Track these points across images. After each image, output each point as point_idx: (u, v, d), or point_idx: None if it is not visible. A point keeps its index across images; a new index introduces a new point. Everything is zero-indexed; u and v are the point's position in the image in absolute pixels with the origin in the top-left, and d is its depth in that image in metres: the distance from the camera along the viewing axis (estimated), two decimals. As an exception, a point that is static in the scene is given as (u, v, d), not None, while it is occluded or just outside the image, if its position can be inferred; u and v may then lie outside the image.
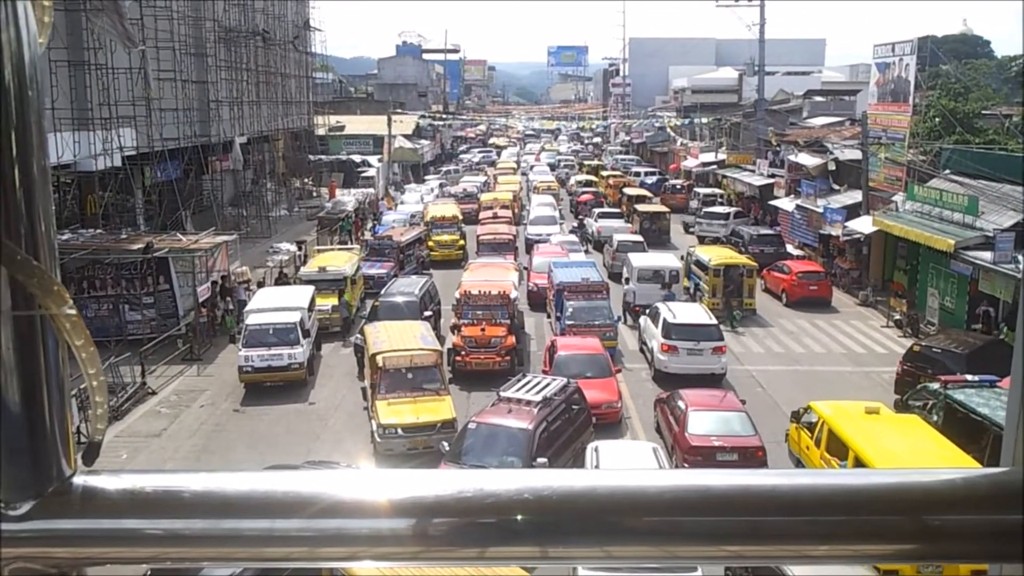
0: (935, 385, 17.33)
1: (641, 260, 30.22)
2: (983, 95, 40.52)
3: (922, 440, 15.07)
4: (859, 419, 15.91)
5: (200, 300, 25.74)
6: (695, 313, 23.99)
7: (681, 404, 17.89)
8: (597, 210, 45.68)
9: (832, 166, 37.15)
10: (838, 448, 15.41)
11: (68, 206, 29.17)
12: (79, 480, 0.96)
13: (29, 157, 0.95)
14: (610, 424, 19.50)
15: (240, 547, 0.96)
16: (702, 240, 40.27)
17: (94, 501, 0.95)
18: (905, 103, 33.96)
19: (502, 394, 17.32)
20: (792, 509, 0.96)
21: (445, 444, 16.51)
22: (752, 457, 16.50)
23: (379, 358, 19.33)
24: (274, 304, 23.69)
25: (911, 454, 14.32)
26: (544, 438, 15.99)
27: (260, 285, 29.18)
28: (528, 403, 16.70)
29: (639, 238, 37.44)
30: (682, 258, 32.38)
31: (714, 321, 23.45)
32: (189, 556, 0.98)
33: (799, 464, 17.38)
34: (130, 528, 0.95)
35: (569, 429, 17.16)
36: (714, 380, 22.02)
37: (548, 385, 17.66)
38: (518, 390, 17.35)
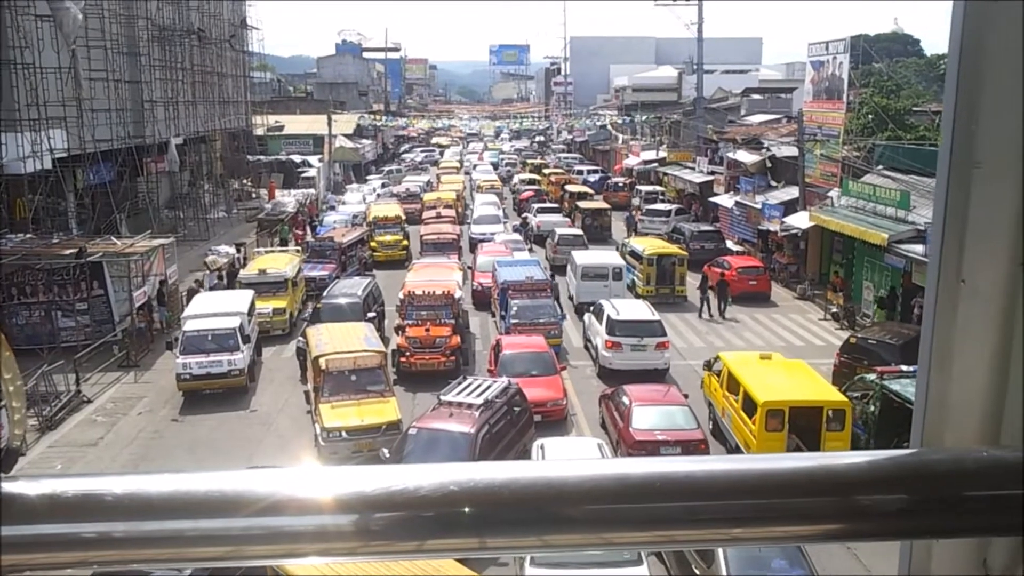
0: (872, 376, 17.72)
1: (585, 258, 30.55)
2: (914, 92, 41.57)
3: (800, 378, 18.04)
4: (753, 363, 18.82)
5: (137, 305, 25.17)
6: (638, 310, 24.28)
7: (625, 399, 18.10)
8: (536, 205, 46.39)
9: (769, 163, 37.81)
10: (735, 386, 17.93)
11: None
12: None
13: None
14: (556, 422, 19.56)
15: (165, 548, 0.95)
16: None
17: (12, 507, 0.92)
18: (839, 100, 34.69)
19: (442, 398, 17.11)
20: (724, 493, 0.99)
21: (385, 451, 16.31)
22: (695, 450, 16.75)
23: (322, 360, 19.09)
24: (212, 309, 23.23)
25: (786, 386, 17.34)
26: (486, 441, 15.85)
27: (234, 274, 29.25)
28: (469, 406, 16.52)
29: (579, 231, 38.42)
30: (617, 249, 33.03)
31: (657, 317, 23.73)
32: (113, 559, 0.96)
33: (710, 406, 19.71)
34: (50, 533, 0.93)
35: (511, 431, 17.06)
36: (658, 375, 22.33)
37: (489, 387, 17.52)
38: (459, 393, 17.15)
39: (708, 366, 20.45)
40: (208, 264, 31.15)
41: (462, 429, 15.83)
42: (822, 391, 17.17)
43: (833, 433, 16.37)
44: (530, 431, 17.81)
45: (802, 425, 16.36)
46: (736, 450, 17.88)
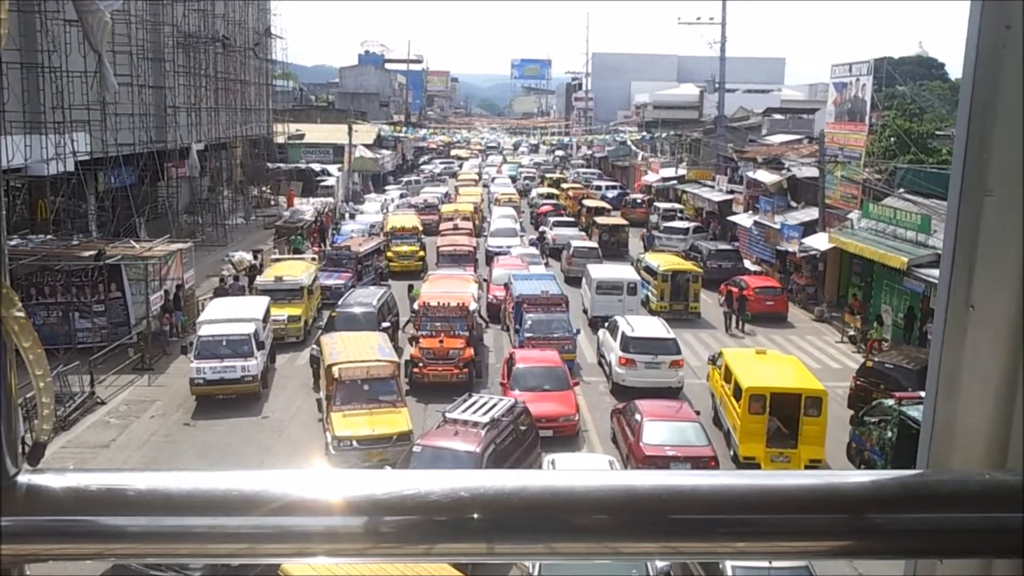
0: (890, 401, 17.53)
1: (601, 272, 30.65)
2: (937, 116, 41.35)
3: (786, 369, 19.92)
4: (747, 358, 20.95)
5: (154, 307, 25.30)
6: (653, 327, 24.22)
7: (637, 414, 18.13)
8: (553, 219, 46.72)
9: (785, 184, 37.67)
10: (729, 376, 19.72)
11: (18, 211, 28.51)
12: (23, 479, 0.97)
13: None
14: (568, 437, 19.44)
15: (183, 544, 0.98)
16: (661, 254, 40.75)
17: (38, 499, 0.96)
18: (861, 123, 34.54)
19: (448, 415, 16.85)
20: (730, 507, 1.02)
21: (388, 469, 16.24)
22: (705, 467, 16.78)
23: (335, 369, 19.11)
24: (228, 315, 23.31)
25: (771, 375, 19.07)
26: (492, 460, 15.59)
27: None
28: (475, 424, 16.30)
29: (594, 244, 38.75)
30: (632, 264, 33.17)
31: (671, 335, 23.65)
32: (132, 553, 1.01)
33: (712, 396, 21.35)
34: (73, 525, 0.96)
35: (517, 450, 16.78)
36: (671, 393, 22.24)
37: (495, 405, 17.29)
38: (464, 411, 16.90)
39: (712, 360, 22.23)
40: (235, 264, 31.94)
41: (467, 448, 15.58)
42: (803, 381, 18.88)
43: (810, 418, 18.03)
44: (536, 450, 17.54)
45: (783, 410, 18.20)
46: (728, 435, 19.56)
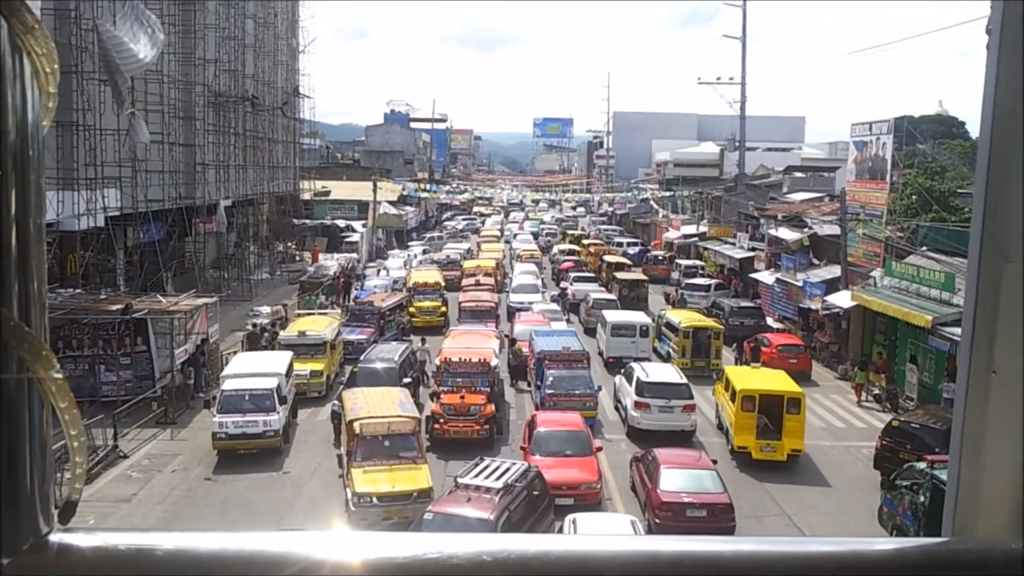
0: (922, 464, 17.14)
1: (615, 316, 32.21)
2: (959, 174, 41.28)
3: (773, 378, 23.68)
4: (744, 371, 25.51)
5: (179, 361, 25.47)
6: (667, 373, 25.00)
7: (655, 462, 18.30)
8: (573, 274, 46.97)
9: (806, 241, 37.64)
10: (728, 385, 23.39)
11: (48, 265, 28.96)
12: (55, 538, 0.98)
13: (27, 217, 0.98)
14: (590, 506, 18.98)
15: None
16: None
17: (69, 558, 0.97)
18: (883, 181, 34.59)
19: (459, 480, 16.32)
20: (752, 574, 1.01)
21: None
22: (721, 514, 16.87)
23: (356, 424, 19.07)
24: (251, 369, 23.42)
25: (760, 381, 23.12)
26: (505, 528, 14.86)
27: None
28: (488, 490, 15.75)
29: (612, 296, 39.66)
30: (654, 320, 33.67)
31: (684, 380, 24.26)
32: None
33: (716, 406, 24.79)
34: None
35: (531, 517, 16.21)
36: (684, 436, 22.95)
37: (508, 470, 16.70)
38: (476, 476, 16.37)
39: (718, 377, 25.65)
40: (272, 313, 33.80)
41: (480, 515, 15.01)
42: (786, 385, 22.68)
43: (791, 416, 21.56)
44: (549, 517, 17.00)
45: (770, 409, 21.67)
46: (727, 432, 22.87)
